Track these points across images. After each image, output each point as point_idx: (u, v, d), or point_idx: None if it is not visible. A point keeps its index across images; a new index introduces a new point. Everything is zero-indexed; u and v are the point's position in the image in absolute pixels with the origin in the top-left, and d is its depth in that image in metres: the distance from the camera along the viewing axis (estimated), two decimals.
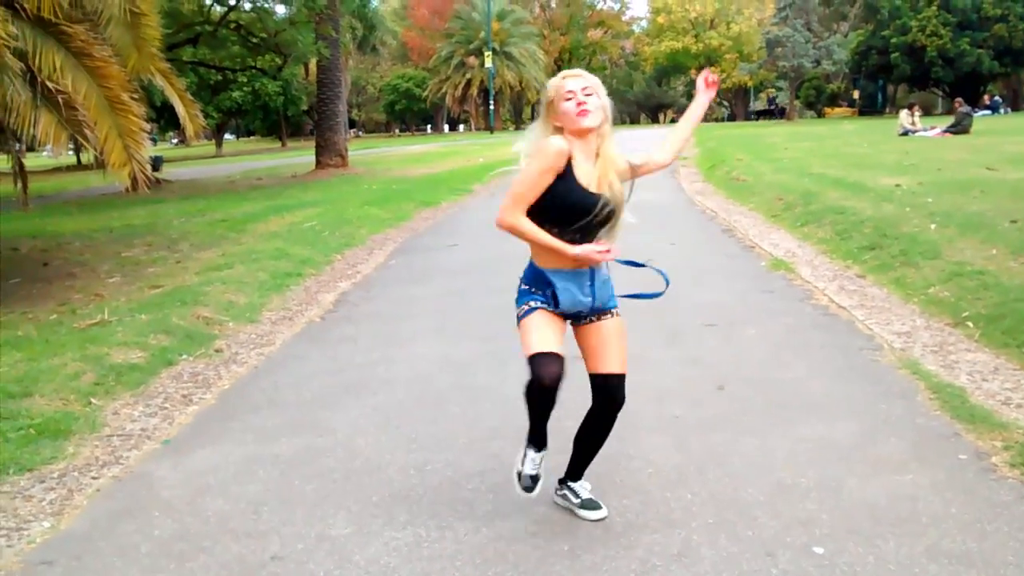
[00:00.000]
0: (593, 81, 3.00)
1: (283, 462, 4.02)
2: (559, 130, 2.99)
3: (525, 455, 3.24)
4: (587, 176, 2.97)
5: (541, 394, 2.96)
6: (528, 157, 3.02)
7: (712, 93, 3.32)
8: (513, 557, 3.05)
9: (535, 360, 2.97)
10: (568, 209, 2.96)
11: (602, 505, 3.33)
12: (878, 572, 2.80)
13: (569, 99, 2.94)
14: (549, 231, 2.98)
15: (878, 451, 3.73)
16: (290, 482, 3.80)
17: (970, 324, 5.42)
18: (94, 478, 3.97)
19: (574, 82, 2.97)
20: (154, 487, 3.84)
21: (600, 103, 2.97)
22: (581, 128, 2.95)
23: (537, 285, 3.10)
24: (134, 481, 3.92)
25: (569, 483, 3.38)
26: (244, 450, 4.21)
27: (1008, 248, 6.72)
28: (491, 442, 4.09)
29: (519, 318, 3.10)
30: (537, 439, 3.19)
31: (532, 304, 3.08)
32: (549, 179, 2.92)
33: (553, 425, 3.15)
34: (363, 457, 4.02)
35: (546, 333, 3.02)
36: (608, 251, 2.97)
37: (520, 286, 3.16)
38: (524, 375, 2.95)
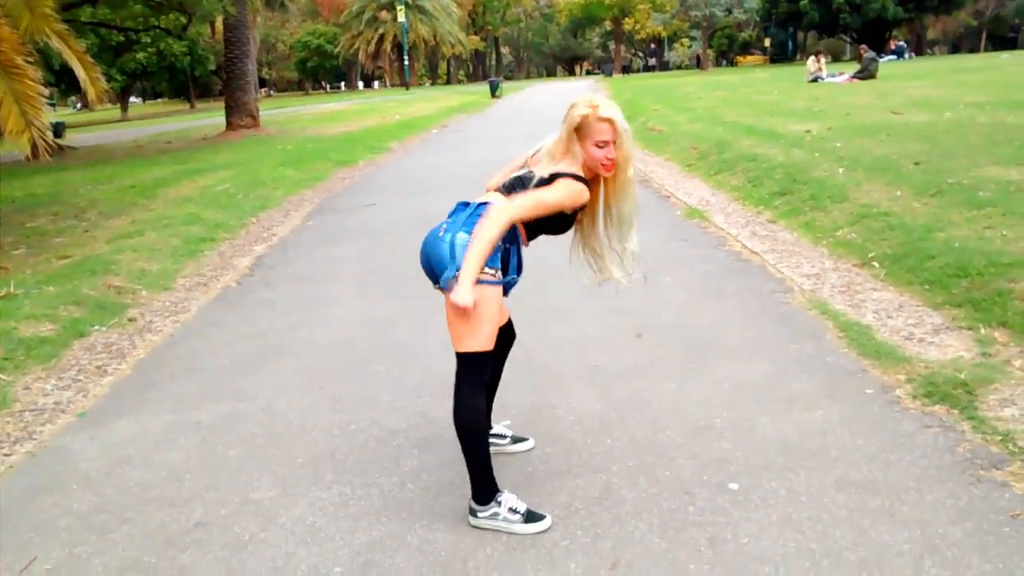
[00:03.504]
0: (624, 135, 2.87)
1: (204, 429, 3.98)
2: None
3: (504, 504, 2.94)
4: None
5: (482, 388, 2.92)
6: (555, 192, 2.82)
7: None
8: (440, 509, 3.08)
9: (488, 359, 2.90)
10: (567, 226, 2.99)
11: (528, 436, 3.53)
12: (790, 504, 2.91)
13: (601, 147, 2.84)
14: (529, 235, 2.95)
15: (789, 390, 3.86)
16: (212, 448, 3.76)
17: (876, 264, 5.61)
18: (6, 455, 3.86)
19: (608, 132, 2.83)
20: (71, 461, 3.76)
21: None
22: (597, 176, 2.92)
23: (507, 236, 2.84)
24: (49, 456, 3.84)
25: (490, 430, 3.39)
26: (163, 419, 4.15)
27: (912, 190, 6.95)
28: (415, 399, 4.11)
29: (458, 282, 2.73)
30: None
31: (496, 273, 2.83)
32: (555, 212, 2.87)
33: None
34: (286, 420, 4.00)
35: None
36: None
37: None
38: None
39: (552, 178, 2.85)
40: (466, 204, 2.94)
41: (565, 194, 2.84)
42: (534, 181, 2.88)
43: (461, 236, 2.80)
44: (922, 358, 4.07)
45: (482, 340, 2.83)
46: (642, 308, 5.23)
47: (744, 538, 2.74)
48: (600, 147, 2.85)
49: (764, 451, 3.30)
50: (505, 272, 2.88)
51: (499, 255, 2.83)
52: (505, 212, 2.78)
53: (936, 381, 3.74)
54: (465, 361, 2.88)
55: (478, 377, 2.89)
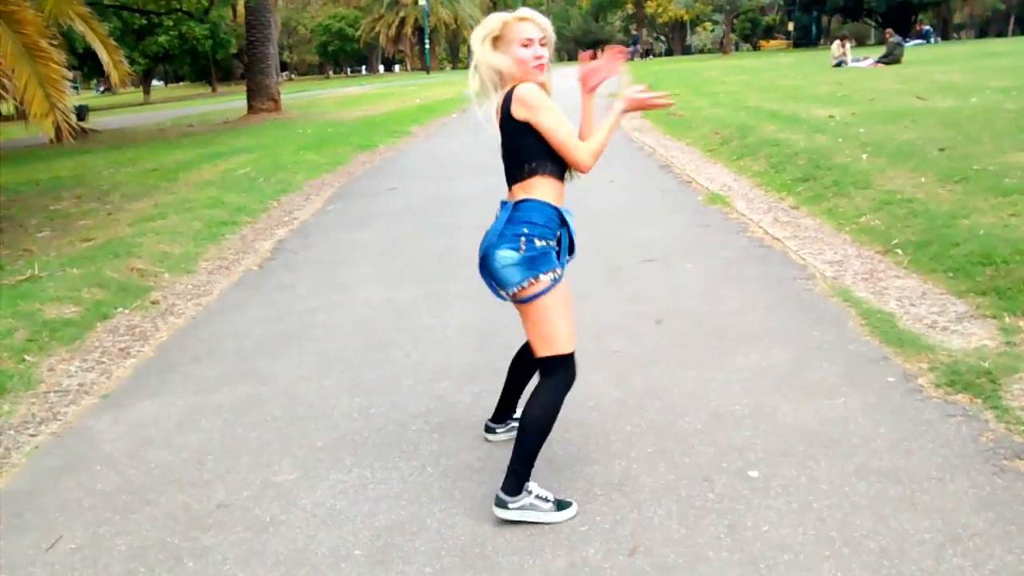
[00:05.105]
0: (549, 30, 2.79)
1: (226, 411, 4.01)
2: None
3: (533, 492, 2.89)
4: None
5: (565, 390, 2.90)
6: (534, 109, 2.69)
7: (591, 93, 2.96)
8: (459, 494, 3.10)
9: (572, 361, 2.88)
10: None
11: None
12: (810, 491, 2.90)
13: (526, 46, 2.74)
14: (549, 174, 2.78)
15: (811, 377, 3.84)
16: (233, 431, 3.79)
17: (899, 251, 5.56)
18: (32, 435, 3.91)
19: (532, 29, 2.74)
20: (95, 442, 3.80)
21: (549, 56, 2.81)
22: (535, 81, 2.77)
23: (554, 227, 2.80)
24: (73, 436, 3.88)
25: (513, 416, 3.43)
26: (185, 401, 4.18)
27: (936, 176, 6.88)
28: (435, 383, 4.12)
29: (540, 291, 2.76)
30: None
31: (558, 272, 2.81)
32: None
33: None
34: (306, 403, 4.02)
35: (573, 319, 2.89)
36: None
37: (528, 240, 2.74)
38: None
39: (508, 95, 2.73)
40: (505, 203, 2.86)
41: (544, 107, 2.70)
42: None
43: (503, 254, 2.75)
44: (945, 346, 4.03)
45: (561, 343, 2.81)
46: (662, 294, 5.21)
47: (764, 525, 2.73)
48: (526, 46, 2.75)
49: (784, 438, 3.29)
50: (558, 255, 2.84)
51: (553, 255, 2.79)
52: (578, 154, 2.74)
53: (959, 370, 3.71)
54: (546, 365, 2.86)
55: (561, 380, 2.87)
